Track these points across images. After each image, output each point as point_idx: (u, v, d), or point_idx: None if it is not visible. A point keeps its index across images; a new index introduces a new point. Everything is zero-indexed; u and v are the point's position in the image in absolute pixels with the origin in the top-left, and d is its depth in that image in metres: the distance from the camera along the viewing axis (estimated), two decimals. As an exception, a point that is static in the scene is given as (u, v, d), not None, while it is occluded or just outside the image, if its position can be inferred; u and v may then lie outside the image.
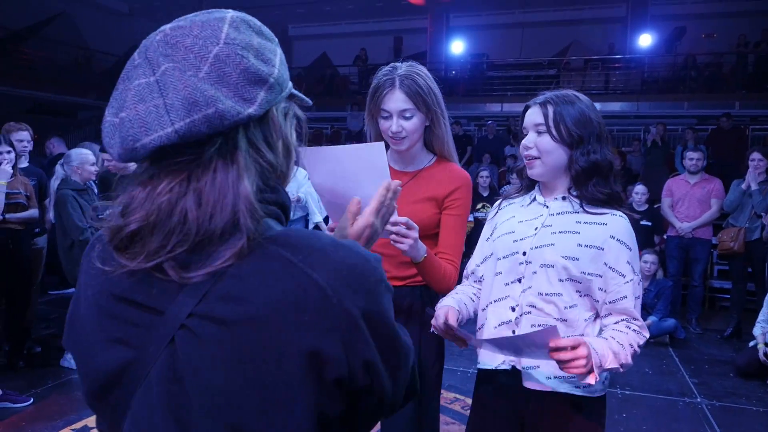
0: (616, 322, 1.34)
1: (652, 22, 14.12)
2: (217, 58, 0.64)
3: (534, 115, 1.40)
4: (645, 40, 13.77)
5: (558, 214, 1.41)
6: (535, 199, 1.48)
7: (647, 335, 1.35)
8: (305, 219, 5.57)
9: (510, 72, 14.15)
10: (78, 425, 3.06)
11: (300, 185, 5.49)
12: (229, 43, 0.65)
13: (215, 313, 0.60)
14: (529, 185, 1.51)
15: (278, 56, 0.72)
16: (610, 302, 1.34)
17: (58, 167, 3.93)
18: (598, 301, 1.36)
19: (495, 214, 1.58)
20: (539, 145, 1.38)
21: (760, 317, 4.21)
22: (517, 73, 13.98)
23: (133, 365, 0.64)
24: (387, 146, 1.68)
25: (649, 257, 4.99)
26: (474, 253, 1.60)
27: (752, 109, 11.54)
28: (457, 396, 3.58)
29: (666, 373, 4.15)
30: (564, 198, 1.42)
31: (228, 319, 0.60)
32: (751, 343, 4.26)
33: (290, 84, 0.76)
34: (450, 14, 15.71)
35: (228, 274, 0.61)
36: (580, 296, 1.36)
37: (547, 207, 1.44)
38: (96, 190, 4.18)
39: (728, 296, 5.80)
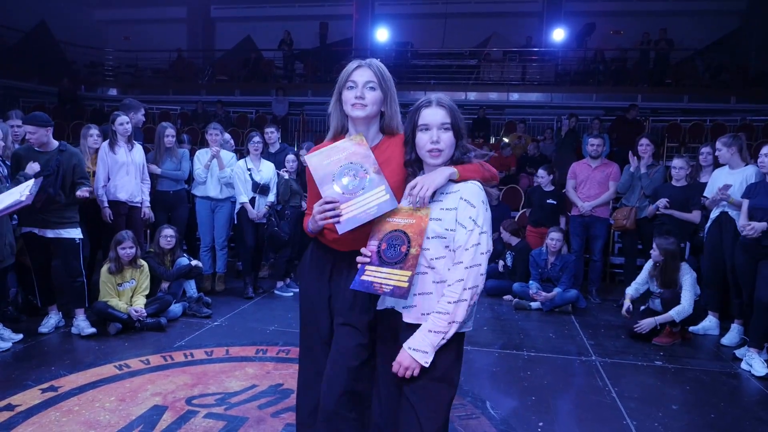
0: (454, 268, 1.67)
1: (566, 18, 14.94)
2: None
3: (439, 116, 1.73)
4: (559, 34, 14.55)
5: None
6: None
7: (469, 282, 1.63)
8: (231, 201, 5.62)
9: (433, 61, 14.53)
10: (1, 404, 3.04)
11: (228, 165, 5.53)
12: None
13: None
14: (415, 175, 1.82)
15: None
16: (455, 249, 1.68)
17: None
18: (450, 249, 1.70)
19: None
20: (445, 139, 1.73)
21: (637, 279, 4.77)
22: (440, 62, 14.38)
23: None
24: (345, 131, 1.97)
25: (555, 234, 5.45)
26: None
27: (653, 102, 12.55)
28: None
29: (567, 337, 4.59)
30: None
31: None
32: (642, 308, 4.78)
33: None
34: (375, 1, 15.88)
35: None
36: (449, 250, 1.69)
37: None
38: (4, 167, 4.07)
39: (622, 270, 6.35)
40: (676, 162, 5.11)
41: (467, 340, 4.44)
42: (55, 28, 15.23)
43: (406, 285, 1.66)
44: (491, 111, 12.75)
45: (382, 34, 15.22)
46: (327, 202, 1.77)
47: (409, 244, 1.68)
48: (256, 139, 5.49)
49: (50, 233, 4.13)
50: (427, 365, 1.65)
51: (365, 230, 1.88)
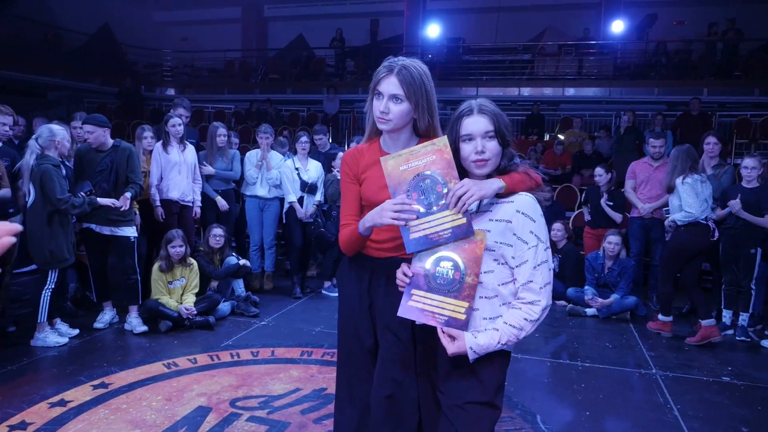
0: (519, 289, 1.57)
1: (626, 9, 14.33)
2: None
3: (482, 124, 1.59)
4: (618, 26, 13.97)
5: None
6: None
7: (543, 301, 1.55)
8: (280, 199, 5.64)
9: (485, 56, 14.22)
10: (55, 399, 3.12)
11: (277, 167, 5.55)
12: None
13: None
14: None
15: None
16: (516, 266, 1.57)
17: (31, 143, 3.92)
18: (512, 268, 1.58)
19: None
20: (491, 148, 1.59)
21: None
22: (493, 57, 14.07)
23: None
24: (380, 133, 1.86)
25: (614, 238, 5.18)
26: None
27: (719, 96, 11.85)
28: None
29: (625, 348, 4.35)
30: None
31: None
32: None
33: None
34: (427, -3, 15.72)
35: None
36: (498, 264, 1.58)
37: None
38: (64, 168, 4.19)
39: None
40: (747, 162, 4.74)
41: (517, 347, 4.26)
42: (117, 30, 15.84)
43: (463, 317, 1.53)
44: (545, 107, 12.37)
45: (433, 30, 15.04)
46: (404, 203, 1.58)
47: (463, 272, 1.53)
48: (304, 139, 5.49)
49: (107, 230, 4.25)
50: (470, 360, 1.55)
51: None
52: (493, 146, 1.59)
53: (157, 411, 3.01)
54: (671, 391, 3.51)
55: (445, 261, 1.55)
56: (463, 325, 1.54)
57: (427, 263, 1.57)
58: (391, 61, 1.77)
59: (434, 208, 1.57)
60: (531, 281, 1.55)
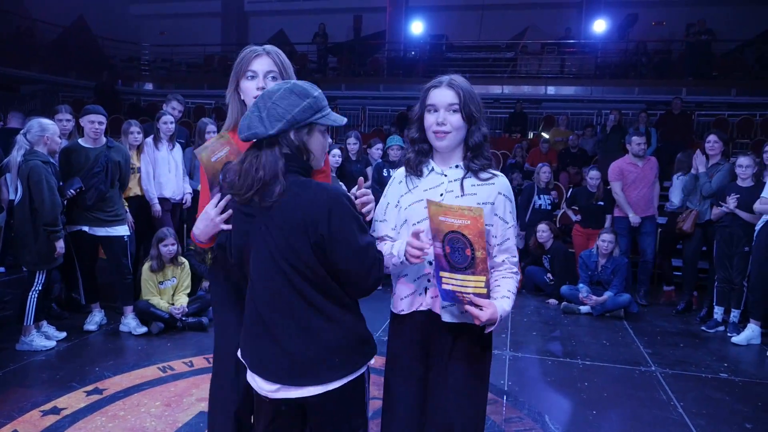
0: (503, 262, 1.69)
1: (606, 8, 14.47)
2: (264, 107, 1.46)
3: (447, 96, 1.62)
4: (599, 25, 14.11)
5: (455, 180, 1.67)
6: (432, 169, 1.72)
7: (519, 273, 1.77)
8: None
9: (468, 54, 14.24)
10: (47, 406, 2.98)
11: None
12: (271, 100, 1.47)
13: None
14: (421, 153, 1.72)
15: (299, 107, 1.47)
16: (499, 244, 1.69)
17: (19, 138, 3.74)
18: (491, 245, 1.68)
19: (398, 183, 1.76)
20: (452, 122, 1.62)
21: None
22: (476, 54, 14.09)
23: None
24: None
25: (607, 236, 5.20)
26: (380, 222, 1.77)
27: (698, 96, 12.04)
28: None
29: (622, 345, 4.37)
30: (458, 166, 1.69)
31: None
32: None
33: (313, 117, 1.50)
34: (410, -6, 15.66)
35: (289, 191, 1.43)
36: None
37: (446, 175, 1.69)
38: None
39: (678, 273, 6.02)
40: (742, 160, 4.78)
41: (517, 347, 4.24)
42: (93, 23, 15.42)
43: (485, 291, 1.54)
44: (528, 105, 12.42)
45: (416, 27, 15.00)
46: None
47: (473, 247, 1.51)
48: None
49: (101, 231, 4.10)
50: (491, 329, 1.60)
51: None
52: (455, 120, 1.62)
53: (157, 418, 2.90)
54: (673, 388, 3.53)
55: (455, 240, 1.53)
56: (487, 299, 1.57)
57: (443, 244, 1.54)
58: (256, 46, 1.85)
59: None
60: (513, 255, 1.71)
